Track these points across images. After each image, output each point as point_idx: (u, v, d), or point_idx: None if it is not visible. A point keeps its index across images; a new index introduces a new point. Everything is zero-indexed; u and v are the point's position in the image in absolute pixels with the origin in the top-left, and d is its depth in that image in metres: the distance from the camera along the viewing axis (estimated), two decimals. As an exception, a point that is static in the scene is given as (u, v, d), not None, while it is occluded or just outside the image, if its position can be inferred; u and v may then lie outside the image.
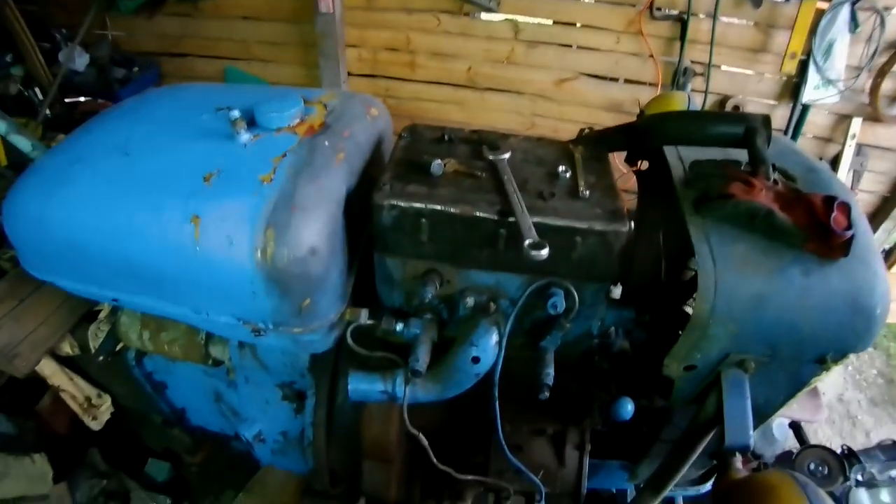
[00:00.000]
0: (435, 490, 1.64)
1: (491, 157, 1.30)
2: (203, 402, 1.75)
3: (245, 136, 1.25)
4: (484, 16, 3.30)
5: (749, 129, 1.22)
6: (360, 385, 1.27)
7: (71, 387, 1.84)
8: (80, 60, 3.57)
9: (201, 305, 1.24)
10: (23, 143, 1.60)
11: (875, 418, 3.36)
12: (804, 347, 1.16)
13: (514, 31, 3.28)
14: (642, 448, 1.58)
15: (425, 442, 1.29)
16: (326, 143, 1.26)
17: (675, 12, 3.02)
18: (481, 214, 1.15)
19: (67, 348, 1.75)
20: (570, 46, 3.29)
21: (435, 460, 1.31)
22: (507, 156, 1.30)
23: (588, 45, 3.26)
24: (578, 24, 3.23)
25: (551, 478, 1.58)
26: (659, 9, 3.01)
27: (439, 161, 1.22)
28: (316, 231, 1.14)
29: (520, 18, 3.24)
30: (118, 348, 1.70)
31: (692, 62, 3.11)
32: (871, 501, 2.08)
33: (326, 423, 1.51)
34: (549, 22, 3.26)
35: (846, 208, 1.13)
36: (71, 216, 1.23)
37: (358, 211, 1.27)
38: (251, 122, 1.28)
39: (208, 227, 1.13)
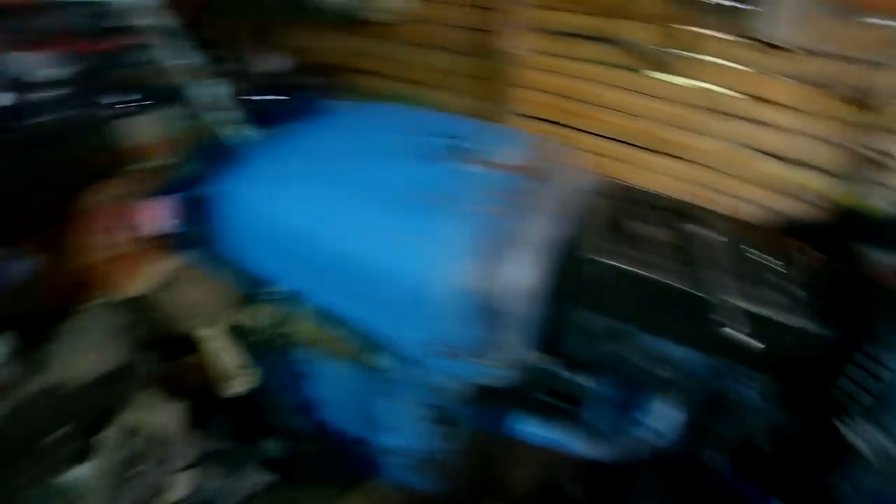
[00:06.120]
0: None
1: (699, 232, 1.31)
2: (342, 400, 1.82)
3: (468, 167, 1.33)
4: (669, 78, 3.08)
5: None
6: (528, 426, 1.30)
7: (226, 354, 1.99)
8: (274, 65, 3.99)
9: (395, 318, 1.31)
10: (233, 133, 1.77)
11: None
12: None
13: (701, 99, 3.18)
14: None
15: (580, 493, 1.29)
16: (545, 187, 1.32)
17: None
18: (688, 289, 1.16)
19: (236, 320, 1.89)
20: (759, 122, 3.15)
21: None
22: (716, 234, 1.31)
23: (777, 123, 3.10)
24: (770, 101, 3.09)
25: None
26: (859, 96, 2.88)
27: (650, 227, 1.25)
28: (528, 271, 1.19)
29: (712, 87, 3.11)
30: (279, 331, 1.81)
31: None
32: None
33: (467, 454, 1.53)
34: (740, 94, 3.14)
35: None
36: (288, 208, 1.35)
37: (556, 260, 1.30)
38: (472, 154, 1.36)
39: (427, 246, 1.21)
